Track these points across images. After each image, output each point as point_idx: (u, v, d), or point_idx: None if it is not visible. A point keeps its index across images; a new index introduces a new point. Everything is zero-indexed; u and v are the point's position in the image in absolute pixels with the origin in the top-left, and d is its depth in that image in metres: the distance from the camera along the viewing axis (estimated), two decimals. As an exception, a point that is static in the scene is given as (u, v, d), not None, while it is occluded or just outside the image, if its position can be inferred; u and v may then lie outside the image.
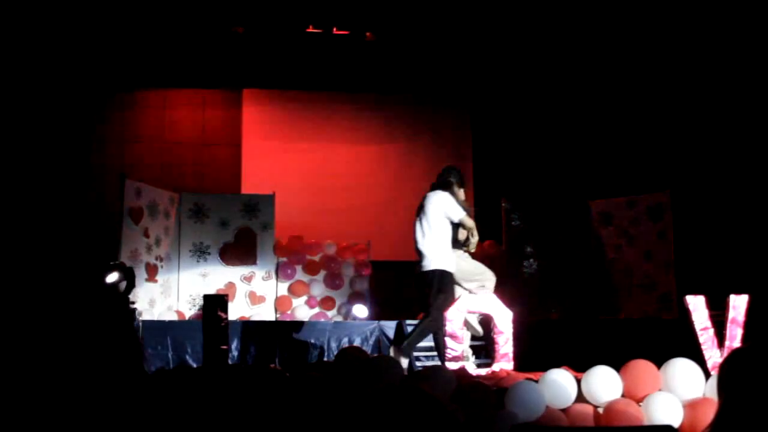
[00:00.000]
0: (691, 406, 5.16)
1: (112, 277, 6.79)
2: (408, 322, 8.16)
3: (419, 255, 6.73)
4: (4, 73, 9.04)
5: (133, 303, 8.02)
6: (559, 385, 5.32)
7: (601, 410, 5.29)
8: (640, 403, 5.25)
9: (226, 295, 7.06)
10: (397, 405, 1.43)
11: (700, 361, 5.62)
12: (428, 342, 7.38)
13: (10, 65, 9.04)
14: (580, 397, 5.37)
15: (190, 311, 9.25)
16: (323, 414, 2.38)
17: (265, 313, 9.46)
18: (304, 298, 9.67)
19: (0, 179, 9.20)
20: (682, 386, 5.31)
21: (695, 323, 5.92)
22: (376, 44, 10.48)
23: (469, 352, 6.87)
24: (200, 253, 9.49)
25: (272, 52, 10.55)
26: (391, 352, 6.56)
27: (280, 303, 9.56)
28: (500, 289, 7.15)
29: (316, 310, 9.64)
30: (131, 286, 7.89)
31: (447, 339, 6.30)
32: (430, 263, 6.64)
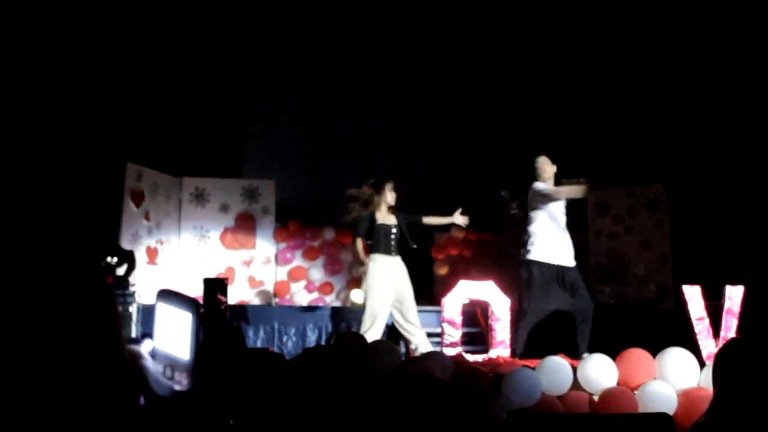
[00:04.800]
0: (685, 395, 5.22)
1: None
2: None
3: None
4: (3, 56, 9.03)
5: (133, 285, 8.06)
6: (555, 372, 5.38)
7: (596, 398, 5.35)
8: (635, 392, 5.30)
9: (226, 279, 7.10)
10: (408, 390, 1.47)
11: (696, 350, 5.67)
12: (430, 328, 7.44)
13: (11, 49, 9.03)
14: (576, 385, 5.43)
15: (190, 294, 9.29)
16: (324, 398, 2.41)
17: (264, 297, 9.50)
18: (303, 283, 9.71)
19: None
20: (677, 375, 5.36)
21: (691, 313, 5.97)
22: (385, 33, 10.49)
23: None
24: (200, 237, 9.53)
25: (277, 41, 10.54)
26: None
27: (279, 288, 9.60)
28: (499, 277, 7.21)
29: (315, 295, 9.67)
30: (131, 269, 7.93)
31: (445, 325, 6.37)
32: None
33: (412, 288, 7.33)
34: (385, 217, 7.32)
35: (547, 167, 7.07)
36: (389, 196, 7.34)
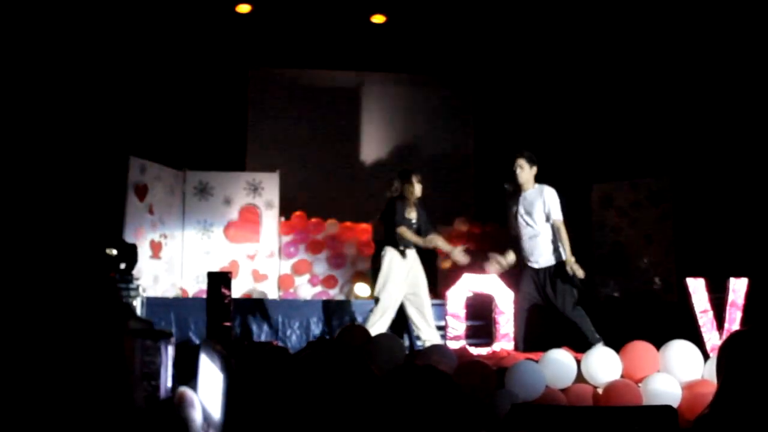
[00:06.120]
0: (689, 388, 5.22)
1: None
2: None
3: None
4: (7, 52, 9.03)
5: (137, 279, 8.06)
6: (559, 365, 5.39)
7: (600, 391, 5.35)
8: (639, 384, 5.31)
9: (230, 273, 7.10)
10: (413, 383, 1.48)
11: (699, 343, 5.68)
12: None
13: (13, 45, 9.04)
14: (580, 378, 5.43)
15: (193, 288, 9.31)
16: (328, 391, 2.42)
17: (268, 290, 9.51)
18: (307, 276, 9.71)
19: (3, 156, 9.21)
20: (681, 368, 5.37)
21: (695, 306, 5.97)
22: (383, 25, 10.48)
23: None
24: (204, 230, 9.54)
25: (278, 31, 10.54)
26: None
27: (282, 281, 9.61)
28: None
29: (319, 288, 9.68)
30: (133, 263, 7.93)
31: (449, 318, 6.37)
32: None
33: (426, 282, 7.30)
34: (409, 211, 7.28)
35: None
36: (417, 188, 7.29)
